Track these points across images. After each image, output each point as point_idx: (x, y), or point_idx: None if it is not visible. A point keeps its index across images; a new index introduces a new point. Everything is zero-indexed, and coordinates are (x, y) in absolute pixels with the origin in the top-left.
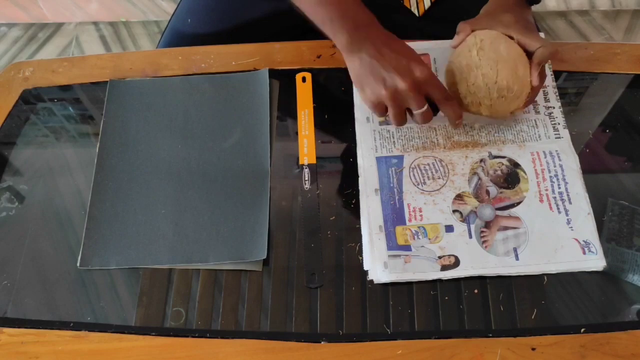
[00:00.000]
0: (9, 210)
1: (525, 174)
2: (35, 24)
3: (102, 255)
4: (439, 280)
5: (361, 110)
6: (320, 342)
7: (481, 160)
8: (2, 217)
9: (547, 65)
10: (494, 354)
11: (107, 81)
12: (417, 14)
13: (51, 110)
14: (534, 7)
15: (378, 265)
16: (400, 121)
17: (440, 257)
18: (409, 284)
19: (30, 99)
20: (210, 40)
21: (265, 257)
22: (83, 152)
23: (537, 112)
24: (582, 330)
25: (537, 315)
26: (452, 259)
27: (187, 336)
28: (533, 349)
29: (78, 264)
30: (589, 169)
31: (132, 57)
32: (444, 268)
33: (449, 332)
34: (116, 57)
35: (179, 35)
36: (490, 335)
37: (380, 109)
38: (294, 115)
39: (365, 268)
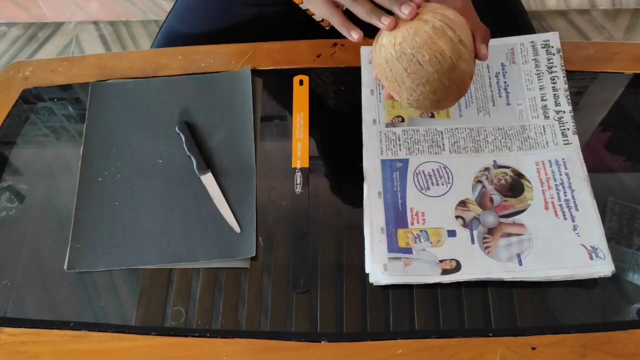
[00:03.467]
0: (8, 210)
1: (530, 183)
2: (35, 24)
3: (90, 257)
4: None
5: (368, 111)
6: (320, 342)
7: (485, 169)
8: (2, 216)
9: (559, 65)
10: (494, 354)
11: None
12: None
13: (51, 110)
14: (535, 7)
15: (378, 267)
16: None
17: (441, 261)
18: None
19: (30, 98)
20: (206, 40)
21: (254, 254)
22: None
23: (547, 117)
24: (583, 329)
25: (537, 314)
26: (454, 263)
27: (187, 336)
28: (533, 349)
29: (65, 267)
30: (589, 168)
31: (131, 57)
32: (445, 272)
33: (449, 332)
34: (116, 56)
35: (175, 35)
36: (491, 334)
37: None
38: (290, 118)
39: (366, 271)
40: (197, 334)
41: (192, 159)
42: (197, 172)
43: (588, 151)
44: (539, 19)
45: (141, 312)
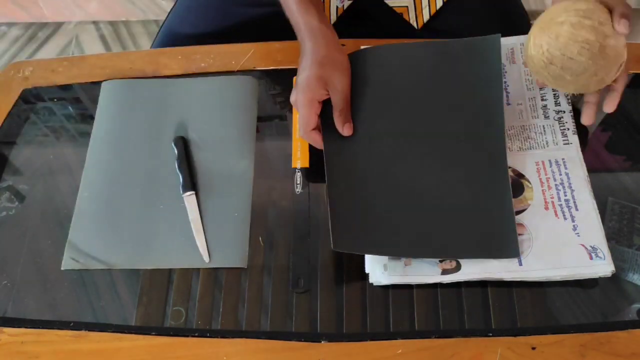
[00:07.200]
0: (9, 210)
1: (530, 183)
2: (35, 24)
3: (88, 256)
4: None
5: None
6: (320, 342)
7: None
8: (2, 216)
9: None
10: (494, 353)
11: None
12: (416, 27)
13: (51, 110)
14: (535, 7)
15: (377, 267)
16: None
17: (441, 261)
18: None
19: (30, 98)
20: (206, 40)
21: (245, 266)
22: (83, 151)
23: (547, 117)
24: (582, 329)
25: (537, 314)
26: (454, 263)
27: (187, 336)
28: (533, 348)
29: (62, 267)
30: (589, 168)
31: (131, 57)
32: (445, 272)
33: (449, 332)
34: (116, 56)
35: (175, 35)
36: (491, 334)
37: None
38: (290, 118)
39: (366, 271)
40: (197, 334)
41: (180, 177)
42: (181, 191)
43: (588, 151)
44: None
45: (141, 312)
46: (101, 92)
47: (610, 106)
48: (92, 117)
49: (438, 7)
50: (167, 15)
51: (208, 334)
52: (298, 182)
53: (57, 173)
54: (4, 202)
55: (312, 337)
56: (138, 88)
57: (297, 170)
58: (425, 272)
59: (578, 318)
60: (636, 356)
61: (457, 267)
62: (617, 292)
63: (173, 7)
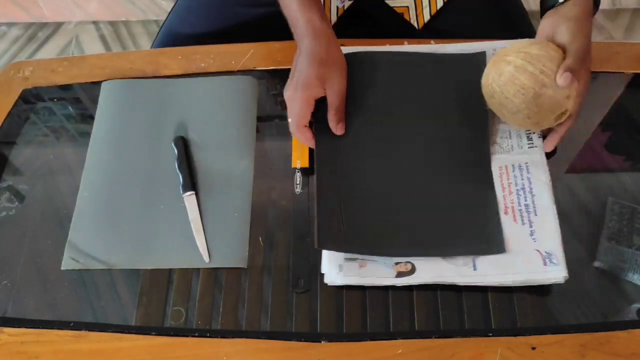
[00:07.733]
0: (9, 210)
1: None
2: (35, 24)
3: (85, 256)
4: None
5: None
6: (320, 342)
7: None
8: (2, 216)
9: None
10: (494, 353)
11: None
12: (416, 27)
13: (51, 110)
14: (535, 7)
15: (333, 267)
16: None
17: (396, 264)
18: None
19: (30, 98)
20: (206, 40)
21: (245, 266)
22: (83, 151)
23: None
24: (582, 329)
25: (537, 314)
26: (409, 266)
27: (187, 336)
28: (533, 348)
29: (62, 267)
30: (589, 168)
31: (131, 57)
32: (400, 275)
33: (449, 332)
34: (116, 56)
35: (175, 35)
36: (491, 334)
37: None
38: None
39: (322, 271)
40: (197, 334)
41: (180, 177)
42: (181, 191)
43: (588, 151)
44: (539, 18)
45: (141, 312)
46: (101, 92)
47: (547, 146)
48: (92, 117)
49: (438, 7)
50: (167, 15)
51: (208, 334)
52: (298, 182)
53: (57, 173)
54: (4, 202)
55: (312, 337)
56: (138, 88)
57: (297, 170)
58: (380, 274)
59: (578, 318)
60: (636, 356)
61: (412, 270)
62: (617, 292)
63: (173, 7)
